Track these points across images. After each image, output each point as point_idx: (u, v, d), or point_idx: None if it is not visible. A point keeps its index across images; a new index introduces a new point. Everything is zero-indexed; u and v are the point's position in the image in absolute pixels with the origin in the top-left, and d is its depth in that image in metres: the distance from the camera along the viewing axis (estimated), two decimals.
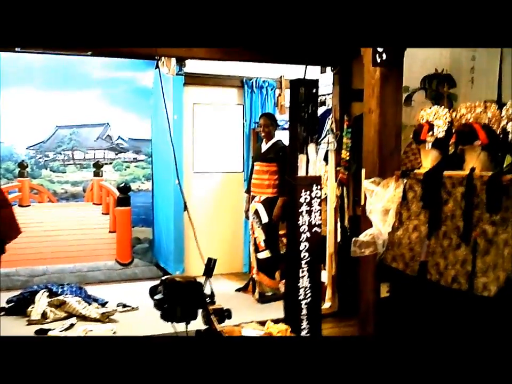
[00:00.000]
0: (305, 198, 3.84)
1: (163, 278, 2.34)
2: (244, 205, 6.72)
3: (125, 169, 7.53)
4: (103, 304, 5.76)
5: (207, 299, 2.37)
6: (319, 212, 3.92)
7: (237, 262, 7.45)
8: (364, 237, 3.60)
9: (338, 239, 5.80)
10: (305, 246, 3.87)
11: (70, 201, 7.33)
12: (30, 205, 7.07)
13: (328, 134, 5.88)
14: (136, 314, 5.70)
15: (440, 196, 3.26)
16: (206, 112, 7.41)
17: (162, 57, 6.07)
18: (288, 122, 4.34)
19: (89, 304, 5.65)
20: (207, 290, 2.41)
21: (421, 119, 3.54)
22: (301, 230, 3.85)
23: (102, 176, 7.41)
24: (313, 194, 3.87)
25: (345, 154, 5.71)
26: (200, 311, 2.36)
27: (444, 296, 3.26)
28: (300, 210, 3.81)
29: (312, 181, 3.93)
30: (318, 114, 6.63)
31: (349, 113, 5.76)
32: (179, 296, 2.25)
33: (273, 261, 6.16)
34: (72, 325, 5.28)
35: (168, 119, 7.13)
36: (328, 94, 6.38)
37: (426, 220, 3.35)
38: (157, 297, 2.29)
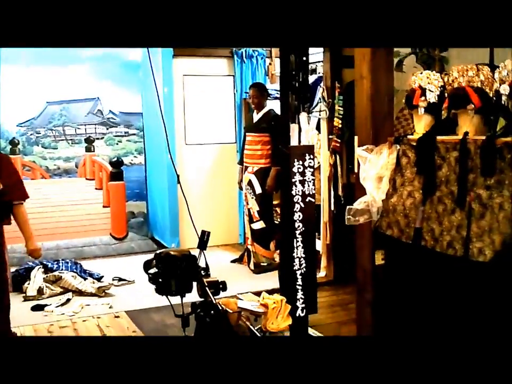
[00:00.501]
0: (298, 168, 3.79)
1: (157, 251, 2.33)
2: (237, 176, 6.69)
3: (117, 144, 7.49)
4: (99, 279, 5.77)
5: (201, 272, 2.35)
6: (312, 181, 3.89)
7: (232, 233, 7.44)
8: (358, 204, 3.58)
9: (332, 207, 5.81)
10: (299, 216, 3.84)
11: (63, 177, 7.30)
12: None
13: (320, 102, 5.84)
14: (132, 287, 5.72)
15: (434, 161, 3.24)
16: (196, 83, 7.33)
17: None
18: (279, 91, 4.27)
19: (85, 279, 5.66)
20: (201, 263, 2.40)
21: (413, 84, 3.49)
22: (295, 200, 3.81)
23: (94, 151, 7.37)
24: (306, 164, 3.82)
25: (337, 122, 5.67)
26: (195, 284, 2.35)
27: (440, 262, 3.26)
28: (293, 180, 3.77)
29: (304, 150, 3.87)
30: (309, 83, 6.63)
31: (340, 80, 5.71)
32: (173, 270, 2.24)
33: (267, 231, 6.17)
34: (68, 300, 5.31)
35: (157, 92, 7.07)
36: (319, 62, 6.31)
37: (421, 186, 3.34)
38: (151, 271, 2.28)
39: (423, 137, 3.37)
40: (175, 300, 2.39)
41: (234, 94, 7.38)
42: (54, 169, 7.24)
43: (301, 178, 3.80)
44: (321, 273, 5.87)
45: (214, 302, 2.22)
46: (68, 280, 5.53)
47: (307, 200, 3.89)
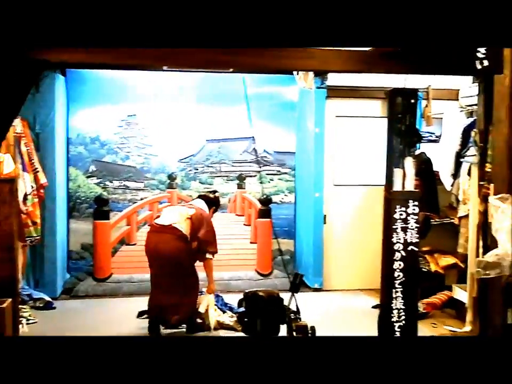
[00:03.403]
0: (400, 214, 3.60)
1: (246, 291, 2.35)
2: None
3: (269, 182, 7.65)
4: (238, 313, 5.88)
5: (291, 315, 2.33)
6: (415, 229, 3.65)
7: (377, 278, 7.20)
8: (489, 257, 3.34)
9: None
10: (400, 265, 3.63)
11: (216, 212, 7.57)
12: None
13: (472, 146, 5.54)
14: None
15: None
16: (348, 124, 7.36)
17: (300, 72, 6.11)
18: (386, 134, 4.06)
19: (224, 312, 5.79)
20: (292, 306, 2.37)
21: None
22: (395, 248, 3.62)
23: (245, 188, 7.59)
24: (409, 211, 3.61)
25: (489, 167, 5.34)
26: (284, 326, 2.33)
27: None
28: (394, 227, 3.59)
29: (408, 196, 3.66)
30: (465, 125, 6.32)
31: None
32: (259, 310, 2.24)
33: None
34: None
35: (309, 132, 7.20)
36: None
37: None
38: (239, 310, 2.30)
39: None
40: None
41: None
42: None
43: (403, 225, 3.60)
44: (466, 328, 5.49)
45: None
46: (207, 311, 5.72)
47: (409, 249, 3.66)
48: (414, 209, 3.62)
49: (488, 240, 5.34)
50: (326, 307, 6.47)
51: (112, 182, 7.27)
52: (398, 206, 3.59)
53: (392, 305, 3.57)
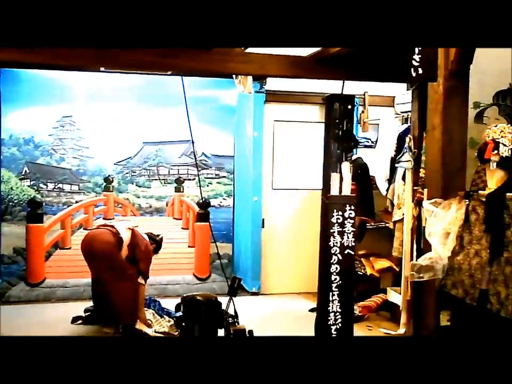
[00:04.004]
0: (337, 218, 3.66)
1: (184, 295, 2.32)
2: None
3: (207, 185, 7.62)
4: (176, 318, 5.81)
5: (229, 319, 2.31)
6: (352, 233, 3.73)
7: (315, 281, 7.27)
8: (423, 260, 3.42)
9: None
10: (336, 268, 3.70)
11: (154, 215, 7.49)
12: (113, 218, 7.29)
13: (406, 152, 5.67)
14: None
15: (503, 219, 3.03)
16: (287, 129, 7.40)
17: (239, 76, 6.12)
18: (323, 139, 4.11)
19: (161, 317, 5.72)
20: (230, 310, 2.36)
21: (487, 137, 3.32)
22: (332, 251, 3.68)
23: (183, 191, 7.54)
24: (346, 215, 3.68)
25: (423, 173, 5.47)
26: (222, 331, 2.31)
27: (507, 328, 3.02)
28: (331, 231, 3.65)
29: (345, 200, 3.73)
30: (400, 132, 6.48)
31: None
32: (197, 315, 2.21)
33: None
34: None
35: (248, 136, 7.21)
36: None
37: (489, 245, 3.13)
38: (177, 315, 2.27)
39: (493, 193, 3.18)
40: None
41: None
42: (146, 207, 7.47)
43: (340, 229, 3.66)
44: (400, 330, 5.60)
45: None
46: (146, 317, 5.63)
47: (345, 252, 3.73)
48: (350, 214, 3.67)
49: (421, 244, 5.53)
50: (264, 311, 6.49)
51: (46, 185, 7.07)
52: (335, 210, 3.63)
53: (328, 308, 3.61)
